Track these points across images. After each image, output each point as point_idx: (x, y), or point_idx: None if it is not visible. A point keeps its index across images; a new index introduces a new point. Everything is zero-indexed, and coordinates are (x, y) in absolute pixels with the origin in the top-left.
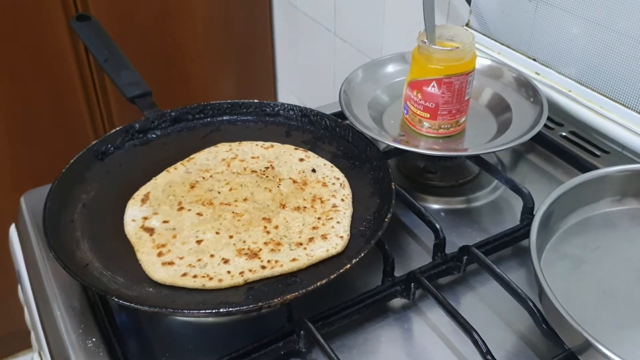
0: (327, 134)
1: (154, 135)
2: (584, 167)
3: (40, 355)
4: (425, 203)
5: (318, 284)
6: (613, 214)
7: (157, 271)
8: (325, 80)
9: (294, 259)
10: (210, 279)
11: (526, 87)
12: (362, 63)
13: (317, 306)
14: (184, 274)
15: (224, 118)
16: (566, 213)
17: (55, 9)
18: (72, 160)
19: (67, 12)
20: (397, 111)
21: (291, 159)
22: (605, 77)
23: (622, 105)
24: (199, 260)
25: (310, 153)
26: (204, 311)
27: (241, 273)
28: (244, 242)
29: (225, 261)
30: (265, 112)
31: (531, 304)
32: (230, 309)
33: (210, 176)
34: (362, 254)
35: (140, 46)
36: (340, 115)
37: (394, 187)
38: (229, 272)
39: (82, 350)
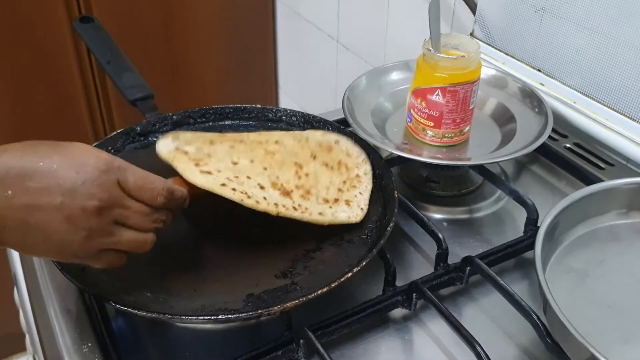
0: None
1: (155, 139)
2: (588, 180)
3: (34, 358)
4: (427, 212)
5: (319, 291)
6: (619, 227)
7: (197, 176)
8: (327, 88)
9: (320, 213)
10: (249, 196)
11: (531, 97)
12: (365, 71)
13: (317, 315)
14: (223, 184)
15: (226, 122)
16: (571, 225)
17: (58, 11)
18: None
19: (70, 14)
20: (401, 119)
21: (314, 134)
22: (610, 88)
23: (628, 117)
24: (237, 177)
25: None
26: (202, 317)
27: (275, 204)
28: (278, 177)
29: (262, 187)
30: (267, 117)
31: (535, 317)
32: (229, 316)
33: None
34: (364, 263)
35: (143, 49)
36: (343, 122)
37: (396, 196)
38: (265, 198)
39: (77, 354)
